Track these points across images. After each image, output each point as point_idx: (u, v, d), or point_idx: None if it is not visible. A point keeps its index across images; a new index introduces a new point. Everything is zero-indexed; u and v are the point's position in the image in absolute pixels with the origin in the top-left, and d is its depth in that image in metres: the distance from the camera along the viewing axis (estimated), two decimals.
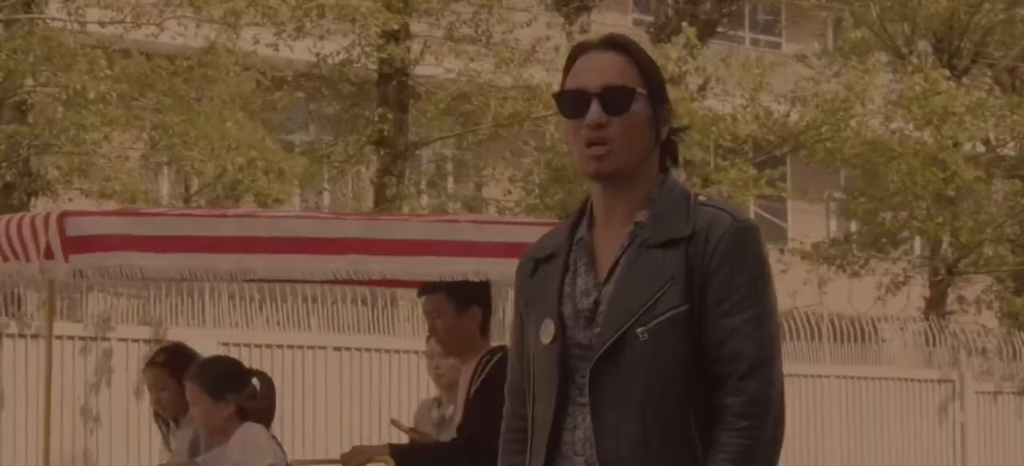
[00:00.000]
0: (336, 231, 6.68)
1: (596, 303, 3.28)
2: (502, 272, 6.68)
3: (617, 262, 3.29)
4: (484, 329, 6.52)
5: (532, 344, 3.36)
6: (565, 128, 3.37)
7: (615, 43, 3.39)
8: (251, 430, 6.43)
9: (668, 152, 3.39)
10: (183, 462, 6.73)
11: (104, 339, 15.56)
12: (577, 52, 3.41)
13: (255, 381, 6.63)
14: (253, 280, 7.17)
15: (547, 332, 3.30)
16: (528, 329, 3.39)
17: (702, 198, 3.33)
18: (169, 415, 7.21)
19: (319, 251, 6.51)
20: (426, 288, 6.56)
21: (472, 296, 6.47)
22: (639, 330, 3.20)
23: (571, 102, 3.34)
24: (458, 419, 6.43)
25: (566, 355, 3.28)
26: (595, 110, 3.29)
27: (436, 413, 7.34)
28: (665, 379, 3.20)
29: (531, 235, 6.92)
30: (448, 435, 7.02)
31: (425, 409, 7.46)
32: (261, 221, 7.13)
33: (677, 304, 3.20)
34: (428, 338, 7.51)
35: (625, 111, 3.30)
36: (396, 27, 19.34)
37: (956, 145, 22.07)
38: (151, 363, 7.29)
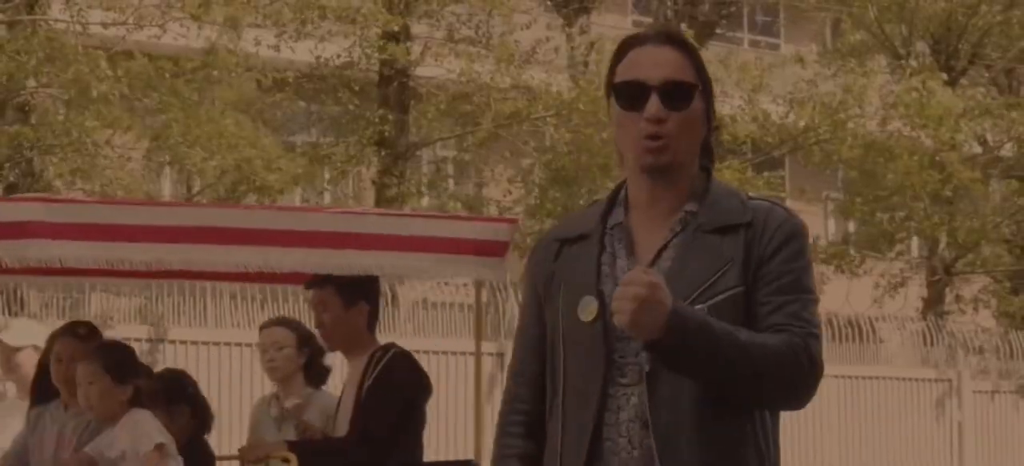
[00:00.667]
0: (251, 221, 6.54)
1: None
2: (410, 266, 6.66)
3: (665, 247, 3.29)
4: (371, 325, 6.48)
5: (560, 323, 3.32)
6: (616, 119, 3.35)
7: (672, 37, 3.39)
8: (139, 415, 6.30)
9: (709, 148, 3.42)
10: (81, 455, 6.39)
11: None
12: (630, 44, 3.40)
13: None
14: (170, 275, 7.02)
15: (589, 309, 3.26)
16: (554, 309, 3.34)
17: (752, 194, 3.39)
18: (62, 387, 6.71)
19: (234, 242, 6.36)
20: (314, 282, 6.49)
21: (360, 291, 6.41)
22: (698, 306, 3.20)
23: (628, 94, 3.32)
24: (347, 415, 6.33)
25: (608, 335, 3.25)
26: (655, 103, 3.28)
27: (275, 409, 7.11)
28: None
29: (437, 229, 6.92)
30: (288, 431, 6.93)
31: (263, 407, 7.19)
32: (176, 210, 7.04)
33: (735, 284, 3.24)
34: (261, 328, 7.41)
35: (686, 107, 3.31)
36: (396, 29, 19.35)
37: (954, 148, 22.08)
38: (73, 335, 6.78)
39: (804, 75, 21.58)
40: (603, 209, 3.39)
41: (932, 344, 21.17)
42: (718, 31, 24.47)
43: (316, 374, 7.23)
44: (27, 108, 17.32)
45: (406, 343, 14.80)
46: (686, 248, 3.27)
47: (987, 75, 25.80)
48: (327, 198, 23.19)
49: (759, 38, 29.33)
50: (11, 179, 17.06)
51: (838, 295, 22.70)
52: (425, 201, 22.10)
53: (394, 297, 17.20)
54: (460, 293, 16.83)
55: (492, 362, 16.77)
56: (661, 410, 3.20)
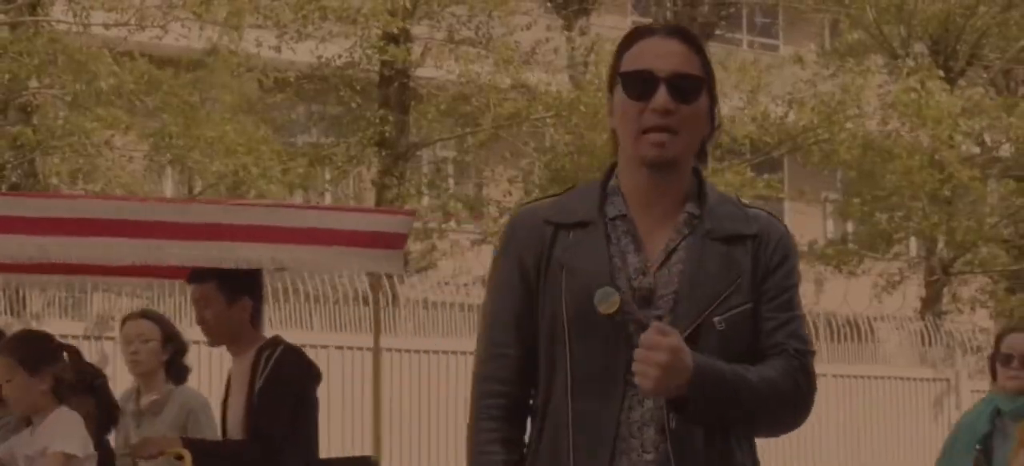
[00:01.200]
0: (132, 213, 6.35)
1: (651, 287, 3.22)
2: (306, 259, 6.54)
3: (673, 250, 3.25)
4: (255, 320, 6.35)
5: (562, 311, 3.24)
6: (621, 109, 3.29)
7: (681, 32, 3.36)
8: (66, 415, 6.02)
9: (701, 149, 3.39)
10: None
11: (107, 338, 15.56)
12: (638, 35, 3.37)
13: (65, 354, 6.27)
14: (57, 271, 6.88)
15: (610, 302, 3.18)
16: (555, 295, 3.25)
17: (744, 200, 3.38)
18: None
19: (118, 234, 6.17)
20: (195, 276, 6.32)
21: (242, 287, 6.27)
22: (716, 319, 3.19)
23: (636, 84, 3.28)
24: (238, 414, 6.21)
25: (627, 329, 3.20)
26: (663, 94, 3.24)
27: (132, 405, 6.95)
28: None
29: (334, 221, 6.76)
30: (149, 427, 6.80)
31: (123, 402, 6.94)
32: (53, 202, 6.83)
33: (746, 300, 3.23)
34: (124, 320, 7.23)
35: (694, 100, 3.27)
36: (396, 31, 19.36)
37: (952, 147, 22.09)
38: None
39: (803, 75, 21.59)
40: (598, 197, 3.31)
41: (930, 343, 21.18)
42: (717, 32, 24.49)
43: (177, 371, 7.07)
44: (29, 109, 17.33)
45: (408, 342, 14.69)
46: (698, 255, 3.23)
47: (985, 75, 25.80)
48: (328, 198, 23.21)
49: (758, 39, 29.33)
50: (13, 179, 17.07)
51: (837, 295, 22.72)
52: (425, 201, 22.11)
53: (395, 297, 17.21)
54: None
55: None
56: (680, 422, 3.18)
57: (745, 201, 3.38)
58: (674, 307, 3.20)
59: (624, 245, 3.26)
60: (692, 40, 3.34)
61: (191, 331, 16.37)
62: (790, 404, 3.26)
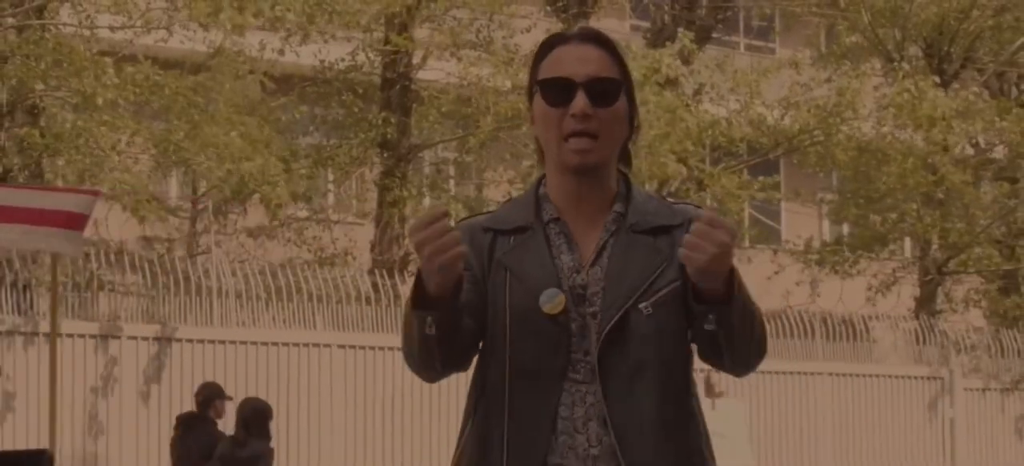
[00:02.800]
0: None
1: (584, 284, 3.24)
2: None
3: (602, 247, 3.27)
4: None
5: (505, 311, 3.25)
6: (541, 116, 3.30)
7: (596, 36, 3.35)
8: None
9: (624, 151, 3.40)
10: None
11: (114, 337, 15.60)
12: (553, 42, 3.36)
13: None
14: None
15: (556, 302, 3.21)
16: (498, 295, 3.26)
17: (671, 198, 3.41)
18: None
19: None
20: None
21: None
22: (642, 305, 3.21)
23: (554, 90, 3.28)
24: None
25: (568, 330, 3.22)
26: (581, 99, 3.24)
27: None
28: (671, 346, 3.24)
29: (17, 199, 6.67)
30: None
31: None
32: None
33: (674, 278, 3.23)
34: None
35: (612, 103, 3.27)
36: (397, 48, 19.39)
37: (946, 150, 22.11)
38: None
39: (799, 79, 21.61)
40: (533, 204, 3.34)
41: (924, 343, 21.22)
42: (715, 35, 24.51)
43: None
44: (36, 111, 17.35)
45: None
46: (624, 249, 3.26)
47: (979, 78, 25.85)
48: (331, 199, 23.24)
49: (755, 42, 29.36)
50: (21, 180, 17.09)
51: (832, 294, 22.75)
52: (426, 201, 22.14)
53: (397, 296, 17.25)
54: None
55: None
56: (616, 406, 3.19)
57: (672, 200, 3.40)
58: (603, 299, 3.22)
59: (558, 246, 3.28)
60: (608, 44, 3.34)
61: (197, 330, 16.39)
62: (763, 337, 3.29)
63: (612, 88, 3.27)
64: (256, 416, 11.99)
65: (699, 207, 3.36)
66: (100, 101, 16.49)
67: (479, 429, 3.27)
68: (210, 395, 12.74)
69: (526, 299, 3.22)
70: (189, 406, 15.96)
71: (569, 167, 3.27)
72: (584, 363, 3.22)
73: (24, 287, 15.77)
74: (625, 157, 3.39)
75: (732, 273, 3.14)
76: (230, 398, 12.90)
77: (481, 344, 3.32)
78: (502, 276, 3.27)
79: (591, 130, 3.25)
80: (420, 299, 3.14)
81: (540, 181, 3.38)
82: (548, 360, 3.22)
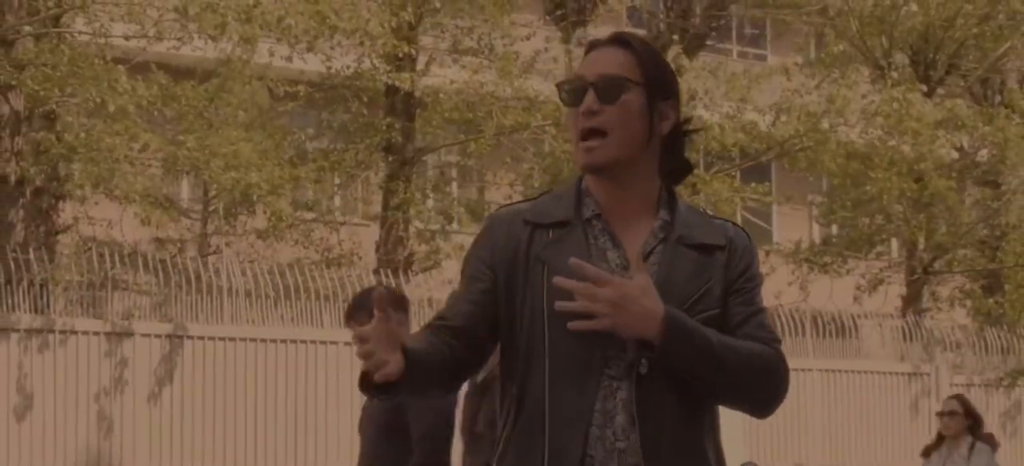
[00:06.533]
0: None
1: None
2: None
3: (651, 251, 3.23)
4: None
5: (543, 307, 3.19)
6: (567, 118, 3.31)
7: (620, 39, 3.33)
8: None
9: (674, 153, 3.32)
10: None
11: (127, 335, 15.60)
12: (590, 47, 3.35)
13: None
14: None
15: None
16: (536, 291, 3.21)
17: (708, 211, 3.35)
18: None
19: None
20: None
21: None
22: None
23: (570, 91, 3.27)
24: None
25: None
26: (590, 98, 3.22)
27: None
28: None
29: None
30: None
31: None
32: None
33: (714, 307, 3.22)
34: None
35: (616, 99, 3.22)
36: (401, 55, 19.39)
37: (930, 156, 22.09)
38: None
39: (789, 86, 21.63)
40: (574, 199, 3.29)
41: (911, 340, 21.23)
42: (709, 42, 24.52)
43: None
44: (53, 116, 17.35)
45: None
46: (672, 259, 3.22)
47: (963, 84, 25.86)
48: (337, 201, 23.25)
49: (747, 49, 29.37)
50: (37, 183, 17.11)
51: (821, 294, 22.75)
52: (430, 204, 22.15)
53: None
54: None
55: None
56: (649, 407, 3.16)
57: (710, 213, 3.38)
58: None
59: (602, 243, 3.24)
60: (630, 44, 3.30)
61: (209, 327, 16.39)
62: (771, 376, 3.23)
63: (616, 84, 3.23)
64: None
65: (735, 225, 3.34)
66: (112, 108, 16.48)
67: (524, 424, 3.22)
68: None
69: (564, 294, 3.12)
70: (200, 401, 15.99)
71: (581, 167, 3.25)
72: (618, 359, 3.18)
73: (41, 286, 15.78)
74: (676, 163, 3.33)
75: (666, 320, 3.09)
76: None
77: (502, 340, 3.27)
78: (539, 271, 3.22)
79: (600, 127, 3.21)
80: (364, 385, 3.08)
81: (582, 176, 3.33)
82: (586, 354, 3.18)
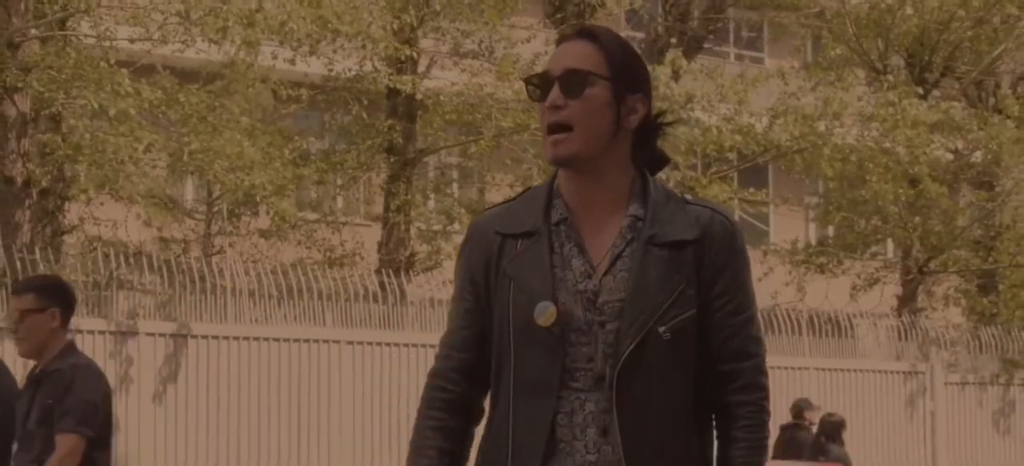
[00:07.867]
0: None
1: (595, 291, 3.13)
2: None
3: (619, 255, 3.15)
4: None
5: (509, 321, 3.17)
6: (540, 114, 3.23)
7: (587, 32, 3.23)
8: None
9: (647, 146, 3.25)
10: None
11: (132, 334, 15.61)
12: (559, 41, 3.28)
13: None
14: None
15: (547, 314, 3.12)
16: (503, 305, 3.19)
17: (688, 197, 3.25)
18: None
19: None
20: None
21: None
22: (661, 329, 3.11)
23: (537, 86, 3.20)
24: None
25: (563, 340, 3.13)
26: (554, 92, 3.15)
27: None
28: (681, 376, 3.15)
29: None
30: None
31: None
32: None
33: (690, 308, 3.13)
34: None
35: (580, 94, 3.13)
36: (402, 59, 19.40)
37: (926, 155, 22.10)
38: None
39: (786, 89, 21.63)
40: (544, 203, 3.22)
41: (906, 339, 21.23)
42: (706, 45, 24.53)
43: None
44: (58, 118, 17.36)
45: (415, 337, 14.67)
46: (642, 262, 3.12)
47: (958, 86, 25.88)
48: (339, 202, 23.26)
49: (744, 52, 29.38)
50: (44, 184, 17.12)
51: (818, 293, 22.77)
52: (431, 204, 22.16)
53: (403, 295, 17.27)
54: None
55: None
56: (627, 418, 3.10)
57: (690, 198, 3.24)
58: (621, 315, 3.10)
59: (568, 251, 3.16)
60: (597, 37, 3.20)
61: (212, 327, 16.39)
62: (764, 449, 3.23)
63: (579, 78, 3.15)
64: (833, 427, 15.64)
65: (716, 211, 3.22)
66: (113, 111, 16.47)
67: (493, 439, 3.21)
68: (800, 407, 15.98)
69: (526, 311, 3.12)
70: (204, 400, 16.04)
71: (549, 161, 3.18)
72: (585, 371, 3.13)
73: None
74: (650, 154, 3.26)
75: None
76: (817, 407, 16.20)
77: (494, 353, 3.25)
78: (507, 286, 3.18)
79: (564, 121, 3.15)
80: None
81: (555, 175, 3.27)
82: (547, 369, 3.13)
